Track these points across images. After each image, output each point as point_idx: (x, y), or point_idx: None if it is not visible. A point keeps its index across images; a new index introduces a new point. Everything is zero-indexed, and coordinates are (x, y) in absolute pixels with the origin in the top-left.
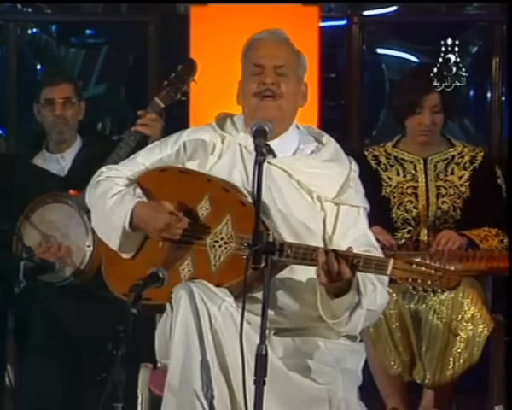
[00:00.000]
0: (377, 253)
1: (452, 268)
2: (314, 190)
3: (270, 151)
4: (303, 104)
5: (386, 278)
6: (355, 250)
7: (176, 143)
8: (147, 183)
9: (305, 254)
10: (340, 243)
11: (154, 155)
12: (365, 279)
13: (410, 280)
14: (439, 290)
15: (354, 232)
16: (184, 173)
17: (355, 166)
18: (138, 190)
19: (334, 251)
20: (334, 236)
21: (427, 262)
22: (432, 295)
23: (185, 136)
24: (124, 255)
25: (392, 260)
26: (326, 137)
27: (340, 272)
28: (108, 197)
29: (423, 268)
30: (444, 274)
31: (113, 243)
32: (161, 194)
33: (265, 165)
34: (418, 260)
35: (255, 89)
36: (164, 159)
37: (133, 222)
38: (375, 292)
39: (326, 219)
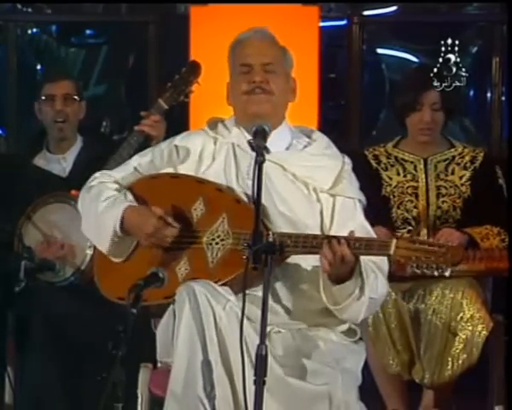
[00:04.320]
0: None
1: (455, 244)
2: (309, 182)
3: (265, 148)
4: (293, 99)
5: (385, 268)
6: None
7: (168, 147)
8: (139, 189)
9: (306, 243)
10: (339, 234)
11: (146, 158)
12: (367, 268)
13: (413, 258)
14: (444, 266)
15: (352, 224)
16: (176, 178)
17: (348, 160)
18: (130, 196)
19: (336, 237)
20: (332, 227)
21: (430, 240)
22: (437, 272)
23: (178, 140)
24: (115, 260)
25: (394, 240)
26: (317, 134)
27: (343, 257)
28: (100, 200)
29: (426, 246)
30: (447, 250)
31: (104, 246)
32: (154, 200)
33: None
34: (420, 238)
35: (245, 87)
36: (155, 161)
37: (124, 226)
38: (376, 280)
39: (323, 211)
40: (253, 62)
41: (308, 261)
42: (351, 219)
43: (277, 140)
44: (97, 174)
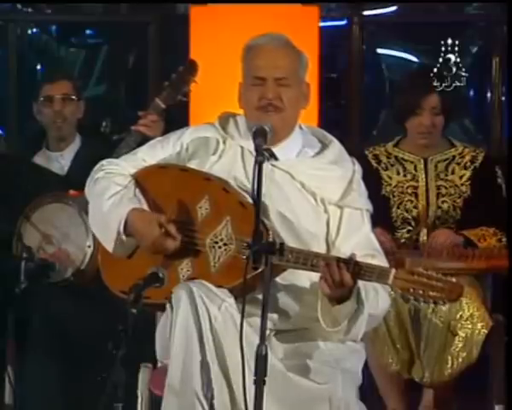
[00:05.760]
0: (380, 256)
1: (454, 280)
2: (317, 192)
3: (273, 155)
4: (305, 106)
5: None
6: (358, 254)
7: (178, 143)
8: (146, 179)
9: (306, 260)
10: (343, 246)
11: (155, 153)
12: (367, 285)
13: (411, 290)
14: (441, 302)
15: (357, 236)
16: (184, 172)
17: (358, 168)
18: (137, 190)
19: (336, 260)
20: (337, 239)
21: (429, 273)
22: (433, 305)
23: (187, 137)
24: (119, 256)
25: (393, 270)
26: (330, 139)
27: (342, 280)
28: (106, 198)
29: (425, 279)
30: (445, 285)
31: (108, 245)
32: (161, 192)
33: (268, 167)
34: (420, 270)
35: (256, 102)
36: (166, 159)
37: (127, 229)
38: (377, 297)
39: (329, 221)
40: (266, 76)
41: (308, 273)
42: (357, 231)
43: (287, 148)
44: (104, 162)
